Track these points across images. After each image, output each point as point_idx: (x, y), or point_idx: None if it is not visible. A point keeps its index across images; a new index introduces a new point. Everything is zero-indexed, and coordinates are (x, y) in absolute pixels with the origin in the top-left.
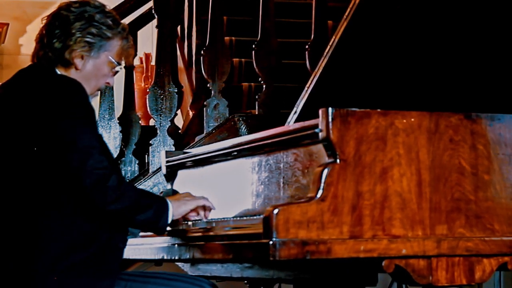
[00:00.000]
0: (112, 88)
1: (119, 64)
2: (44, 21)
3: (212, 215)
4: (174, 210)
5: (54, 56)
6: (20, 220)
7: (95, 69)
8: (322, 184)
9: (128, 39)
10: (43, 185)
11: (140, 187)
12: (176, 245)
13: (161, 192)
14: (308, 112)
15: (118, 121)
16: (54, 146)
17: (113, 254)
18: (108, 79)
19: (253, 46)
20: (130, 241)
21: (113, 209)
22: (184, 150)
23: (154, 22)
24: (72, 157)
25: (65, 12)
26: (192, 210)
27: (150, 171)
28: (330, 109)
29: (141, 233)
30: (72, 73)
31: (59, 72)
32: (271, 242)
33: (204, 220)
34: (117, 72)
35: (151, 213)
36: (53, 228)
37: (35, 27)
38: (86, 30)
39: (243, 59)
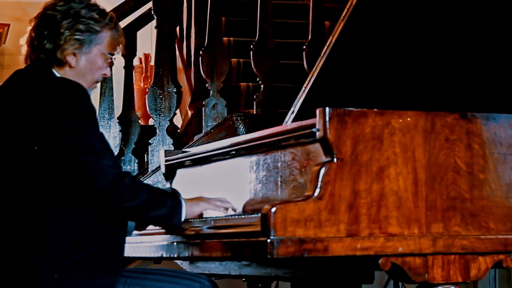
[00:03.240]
0: (111, 88)
1: (112, 55)
2: (32, 23)
3: (210, 214)
4: (188, 210)
5: (46, 57)
6: (23, 219)
7: (89, 64)
8: (319, 183)
9: (117, 28)
10: (44, 185)
11: None
12: (175, 243)
13: None
14: (305, 112)
15: (117, 121)
16: (61, 147)
17: (115, 251)
18: (104, 71)
19: (251, 46)
20: (129, 239)
21: (129, 206)
22: (183, 149)
23: (153, 23)
24: (84, 158)
25: (51, 12)
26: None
27: (149, 170)
28: (327, 109)
29: (138, 232)
30: (67, 71)
31: (56, 73)
32: (269, 240)
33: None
34: (112, 62)
35: (165, 210)
36: (55, 226)
37: None
38: (74, 28)
39: (241, 59)
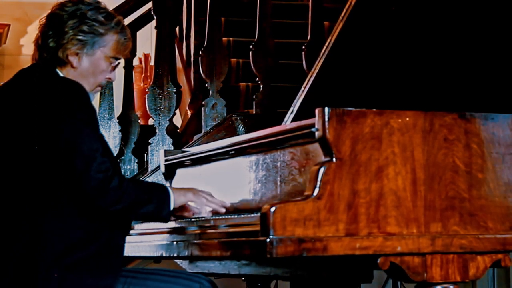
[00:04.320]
0: (111, 88)
1: (116, 58)
2: (41, 23)
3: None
4: (176, 199)
5: (49, 56)
6: (22, 219)
7: (91, 66)
8: (318, 183)
9: (124, 32)
10: (44, 185)
11: None
12: (174, 243)
13: None
14: (304, 112)
15: (117, 121)
16: (57, 149)
17: (114, 252)
18: (108, 75)
19: (251, 46)
20: (129, 238)
21: (116, 209)
22: (183, 149)
23: (153, 23)
24: (76, 161)
25: (59, 12)
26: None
27: (149, 169)
28: (326, 109)
29: (140, 231)
30: (69, 71)
31: (59, 72)
32: (268, 240)
33: (205, 215)
34: (116, 66)
35: (153, 206)
36: (54, 227)
37: (36, 28)
38: (78, 28)
39: (240, 60)
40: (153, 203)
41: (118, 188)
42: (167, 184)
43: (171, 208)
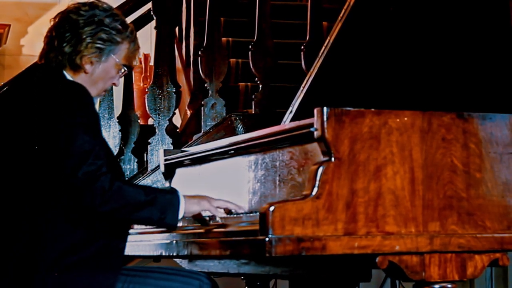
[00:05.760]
0: (111, 88)
1: (126, 66)
2: (53, 22)
3: (209, 212)
4: (187, 207)
5: (63, 59)
6: (23, 219)
7: (103, 73)
8: (317, 182)
9: (135, 41)
10: (44, 185)
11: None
12: (174, 242)
13: None
14: (303, 112)
15: (117, 120)
16: (56, 148)
17: (114, 252)
18: (114, 81)
19: (250, 46)
20: (129, 237)
21: (104, 210)
22: (182, 149)
23: (153, 23)
24: (66, 162)
25: (75, 16)
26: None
27: (149, 169)
28: (325, 109)
29: (139, 230)
30: (81, 77)
31: (67, 75)
32: (267, 239)
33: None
34: (124, 74)
35: (152, 210)
36: (54, 227)
37: (36, 28)
38: (96, 36)
39: (240, 60)
40: (153, 208)
41: (105, 189)
42: (166, 184)
43: (179, 216)
